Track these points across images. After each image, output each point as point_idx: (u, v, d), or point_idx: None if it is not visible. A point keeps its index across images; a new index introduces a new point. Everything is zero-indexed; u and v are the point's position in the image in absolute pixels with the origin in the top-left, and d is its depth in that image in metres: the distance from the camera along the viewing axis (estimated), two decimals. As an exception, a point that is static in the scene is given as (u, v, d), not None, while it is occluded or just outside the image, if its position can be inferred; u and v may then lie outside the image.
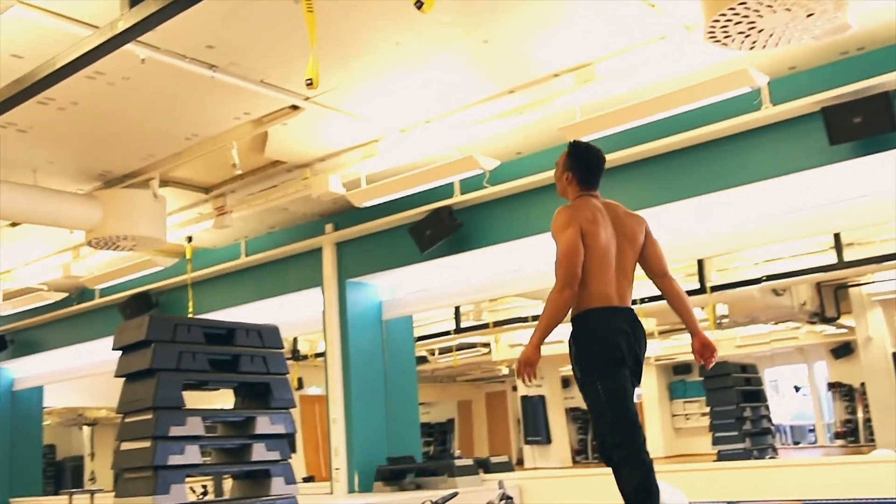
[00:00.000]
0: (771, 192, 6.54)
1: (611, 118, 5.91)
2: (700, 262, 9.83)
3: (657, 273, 4.15)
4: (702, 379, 13.88)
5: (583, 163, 4.15)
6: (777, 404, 16.23)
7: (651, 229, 4.16)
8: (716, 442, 12.64)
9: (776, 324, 15.74)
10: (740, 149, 6.39)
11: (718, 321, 12.57)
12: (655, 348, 17.37)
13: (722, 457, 11.75)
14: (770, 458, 12.68)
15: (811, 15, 4.04)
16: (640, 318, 4.02)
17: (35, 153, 6.85)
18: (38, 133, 6.44)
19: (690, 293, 10.47)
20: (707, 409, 13.54)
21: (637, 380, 3.95)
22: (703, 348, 4.06)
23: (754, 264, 10.42)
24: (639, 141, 6.63)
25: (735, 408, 12.63)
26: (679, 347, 17.43)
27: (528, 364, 3.81)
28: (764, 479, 6.99)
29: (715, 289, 10.18)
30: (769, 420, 13.64)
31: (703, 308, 12.99)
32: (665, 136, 6.54)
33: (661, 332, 15.15)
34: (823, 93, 5.86)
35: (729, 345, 16.53)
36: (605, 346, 3.84)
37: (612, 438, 3.86)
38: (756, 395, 13.42)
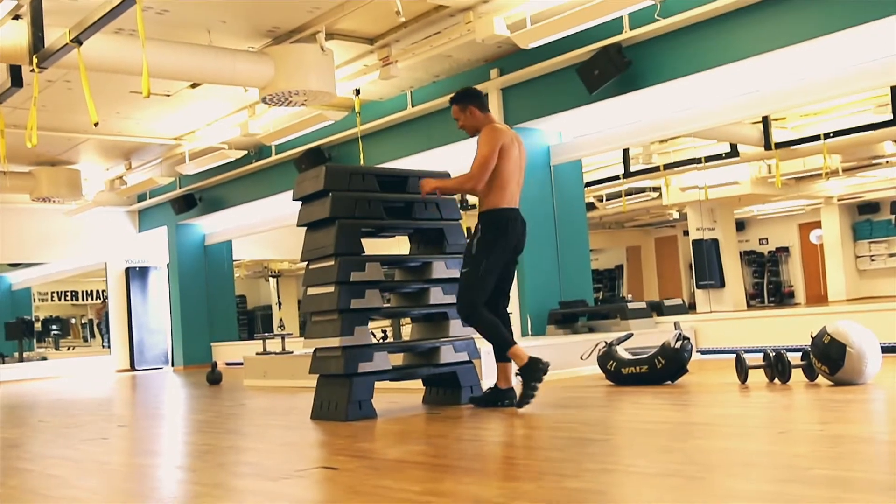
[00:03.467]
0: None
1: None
2: (894, 89, 9.04)
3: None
4: (892, 217, 13.04)
5: (472, 95, 5.25)
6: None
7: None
8: (905, 283, 12.00)
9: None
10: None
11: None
12: (837, 187, 16.39)
13: (912, 298, 11.16)
14: (967, 298, 11.94)
15: None
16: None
17: (208, 13, 7.02)
18: (209, -8, 6.58)
19: (882, 125, 9.79)
20: (896, 250, 12.80)
21: (515, 259, 5.20)
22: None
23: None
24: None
25: (929, 246, 11.89)
26: (865, 185, 16.36)
27: (431, 192, 5.19)
28: (960, 319, 6.61)
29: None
30: (967, 260, 12.76)
31: (895, 141, 12.10)
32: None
33: (845, 170, 14.24)
34: None
35: (922, 181, 15.36)
36: (507, 235, 5.02)
37: (465, 300, 5.03)
38: (953, 234, 12.53)
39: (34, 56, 6.13)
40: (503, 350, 5.04)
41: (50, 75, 7.78)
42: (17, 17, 6.13)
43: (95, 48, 6.26)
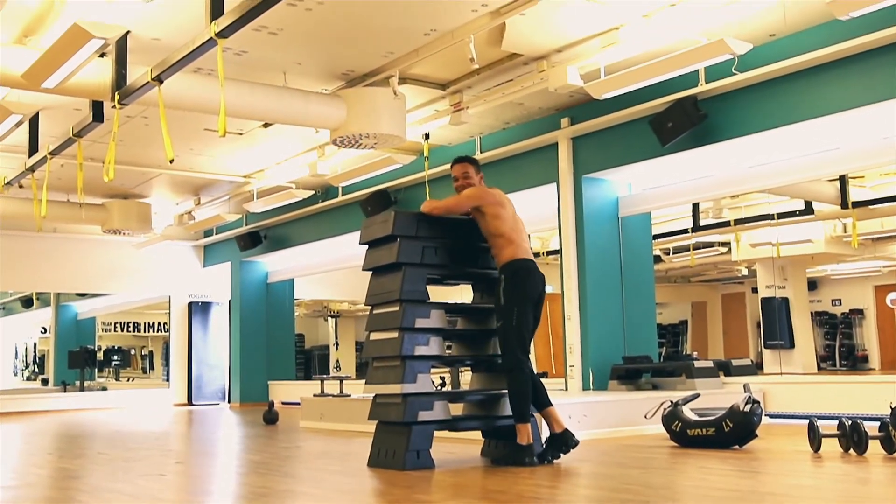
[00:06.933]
0: None
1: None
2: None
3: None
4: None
5: (475, 160, 5.62)
6: None
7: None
8: None
9: None
10: None
11: None
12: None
13: None
14: None
15: None
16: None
17: (284, 55, 7.12)
18: (288, 35, 6.67)
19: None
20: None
21: (538, 311, 5.25)
22: None
23: None
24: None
25: None
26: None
27: (429, 211, 5.31)
28: None
29: None
30: None
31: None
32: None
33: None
34: None
35: None
36: (529, 285, 5.16)
37: (510, 353, 5.09)
38: None
39: (116, 93, 6.27)
40: (519, 417, 5.06)
41: (129, 111, 7.95)
42: (102, 55, 6.28)
43: (174, 87, 6.37)
